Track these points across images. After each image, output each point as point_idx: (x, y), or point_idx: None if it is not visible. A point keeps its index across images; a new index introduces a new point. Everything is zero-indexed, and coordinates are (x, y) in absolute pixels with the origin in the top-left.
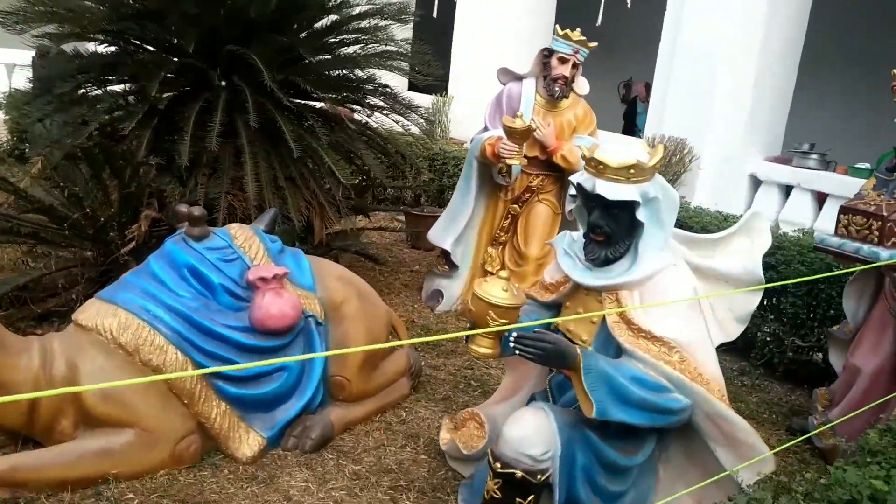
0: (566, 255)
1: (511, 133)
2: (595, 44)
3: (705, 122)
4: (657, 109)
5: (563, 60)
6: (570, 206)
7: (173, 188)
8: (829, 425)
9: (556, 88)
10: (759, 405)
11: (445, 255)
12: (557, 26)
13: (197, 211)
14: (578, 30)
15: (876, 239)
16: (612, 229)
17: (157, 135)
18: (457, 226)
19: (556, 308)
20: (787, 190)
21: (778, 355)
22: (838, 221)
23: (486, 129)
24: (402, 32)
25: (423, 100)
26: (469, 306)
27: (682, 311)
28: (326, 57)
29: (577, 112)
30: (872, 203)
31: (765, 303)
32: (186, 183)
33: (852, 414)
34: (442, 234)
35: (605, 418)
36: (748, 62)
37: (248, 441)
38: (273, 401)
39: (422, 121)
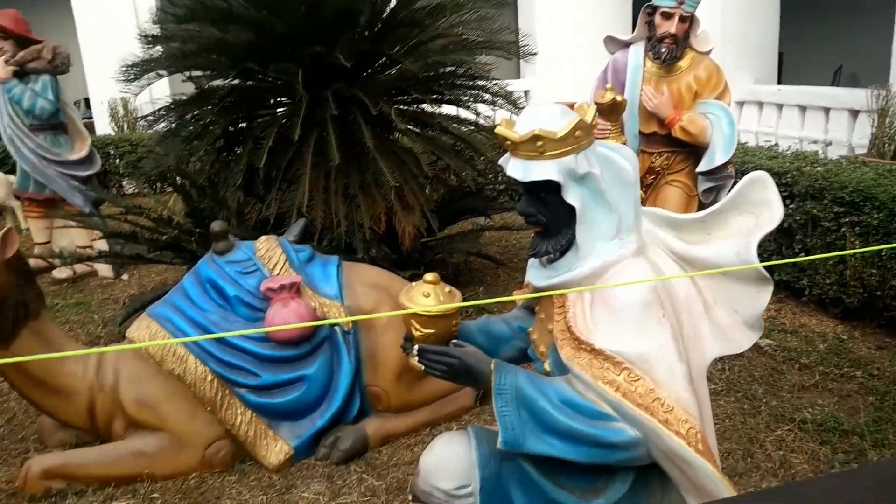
0: None
1: (599, 110)
2: None
3: None
4: None
5: (666, 16)
6: (703, 185)
7: (252, 202)
8: None
9: (663, 49)
10: None
11: None
12: None
13: (217, 226)
14: None
15: None
16: (547, 217)
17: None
18: None
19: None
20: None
21: None
22: None
23: None
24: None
25: None
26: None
27: (633, 315)
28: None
29: (698, 74)
30: None
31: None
32: (265, 198)
33: None
34: None
35: (519, 451)
36: None
37: (274, 449)
38: (297, 411)
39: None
